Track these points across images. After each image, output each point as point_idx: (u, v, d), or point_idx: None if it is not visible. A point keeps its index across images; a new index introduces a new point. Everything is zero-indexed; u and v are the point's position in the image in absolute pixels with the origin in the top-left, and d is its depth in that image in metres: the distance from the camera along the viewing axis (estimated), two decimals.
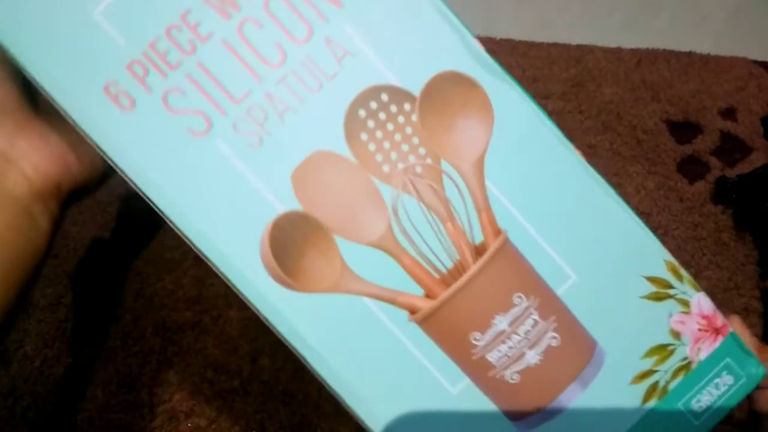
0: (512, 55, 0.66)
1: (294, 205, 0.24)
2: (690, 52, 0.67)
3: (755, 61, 0.67)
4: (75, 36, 0.23)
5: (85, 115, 0.23)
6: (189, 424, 0.46)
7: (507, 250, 0.25)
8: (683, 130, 0.63)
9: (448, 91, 0.24)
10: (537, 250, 0.25)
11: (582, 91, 0.64)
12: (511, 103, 0.25)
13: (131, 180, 0.24)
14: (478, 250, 0.25)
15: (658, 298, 0.26)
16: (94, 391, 0.46)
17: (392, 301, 0.25)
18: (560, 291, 0.25)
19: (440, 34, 0.24)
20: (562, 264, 0.25)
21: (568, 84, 0.64)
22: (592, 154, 0.60)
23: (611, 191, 0.26)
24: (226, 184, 0.24)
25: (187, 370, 0.47)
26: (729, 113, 0.64)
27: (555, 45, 0.67)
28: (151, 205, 0.24)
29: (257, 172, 0.24)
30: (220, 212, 0.24)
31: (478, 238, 0.25)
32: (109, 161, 0.24)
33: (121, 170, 0.24)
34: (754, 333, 0.28)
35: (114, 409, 0.46)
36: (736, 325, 0.27)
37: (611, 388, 0.26)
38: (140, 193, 0.24)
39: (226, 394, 0.47)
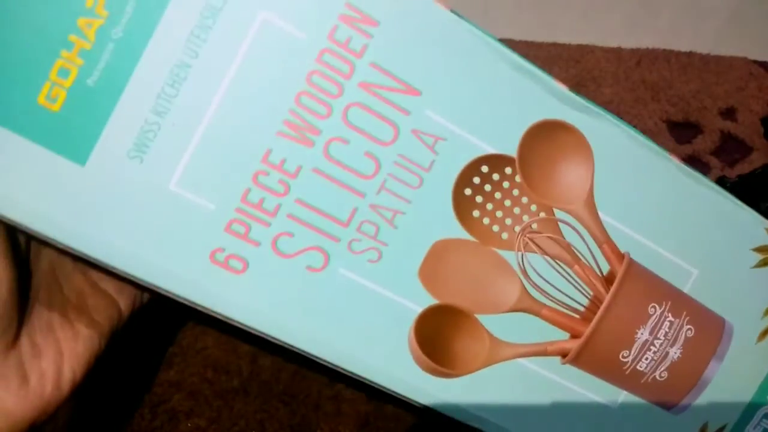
0: None
1: (429, 301, 0.24)
2: (690, 52, 0.67)
3: (755, 61, 0.67)
4: (161, 216, 0.22)
5: (199, 291, 0.22)
6: (189, 424, 0.46)
7: (633, 270, 0.26)
8: (683, 130, 0.63)
9: (543, 141, 0.24)
10: (658, 258, 0.26)
11: (582, 91, 0.64)
12: (603, 132, 0.25)
13: (270, 336, 0.23)
14: (608, 279, 0.26)
15: (766, 263, 0.28)
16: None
17: (543, 353, 0.25)
18: (687, 288, 0.27)
19: (521, 89, 0.24)
20: (682, 263, 0.27)
21: (568, 84, 0.64)
22: None
23: (703, 179, 0.27)
24: (359, 306, 0.24)
25: (187, 370, 0.47)
26: (729, 113, 0.64)
27: (555, 45, 0.67)
28: (298, 350, 0.23)
29: (385, 284, 0.24)
30: (362, 333, 0.24)
31: (605, 268, 0.26)
32: (238, 324, 0.23)
33: (255, 329, 0.23)
34: None
35: (114, 409, 0.46)
36: None
37: (742, 352, 0.28)
38: (283, 344, 0.24)
39: (226, 394, 0.47)
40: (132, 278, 0.23)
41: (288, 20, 0.21)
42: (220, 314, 0.23)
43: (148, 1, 0.20)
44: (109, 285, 0.27)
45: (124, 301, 0.28)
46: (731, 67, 0.67)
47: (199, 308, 0.23)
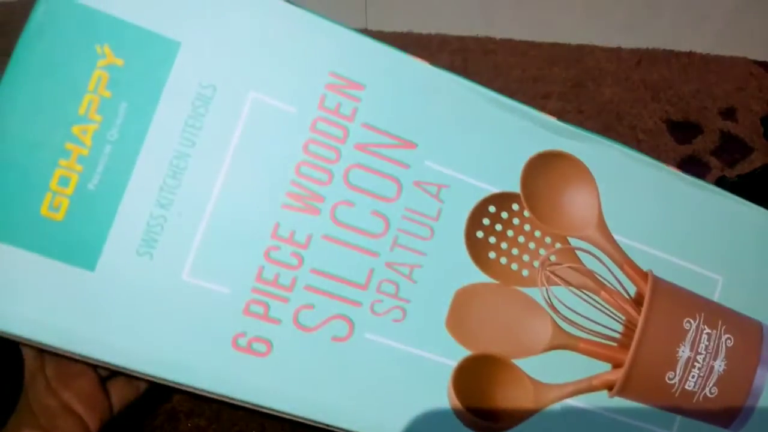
0: (512, 55, 0.66)
1: (462, 353, 0.23)
2: (690, 52, 0.67)
3: (755, 61, 0.67)
4: (177, 309, 0.21)
5: (225, 382, 0.22)
6: (189, 424, 0.46)
7: (660, 287, 0.25)
8: (683, 130, 0.63)
9: (544, 173, 0.24)
10: (680, 271, 0.26)
11: (582, 91, 0.64)
12: (599, 155, 0.25)
13: (298, 417, 0.23)
14: (637, 300, 0.25)
15: None
16: None
17: (589, 389, 0.25)
18: (716, 296, 0.27)
19: (511, 126, 0.24)
20: (705, 272, 0.26)
21: (568, 84, 0.64)
22: None
23: (706, 184, 0.27)
24: (390, 370, 0.23)
25: None
26: (729, 113, 0.64)
27: (555, 45, 0.67)
28: (336, 429, 0.23)
29: (414, 342, 0.23)
30: (398, 397, 0.23)
31: (632, 289, 0.25)
32: (269, 410, 0.22)
33: (289, 413, 0.22)
34: None
35: None
36: None
37: None
38: (320, 425, 0.23)
39: None
40: (151, 379, 0.22)
41: (277, 97, 0.21)
42: (249, 403, 0.23)
43: (139, 100, 0.20)
44: (79, 406, 0.28)
45: (94, 421, 0.28)
46: (731, 67, 0.67)
47: (224, 399, 0.22)
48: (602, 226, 0.25)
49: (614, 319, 0.25)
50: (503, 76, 0.65)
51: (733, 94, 0.65)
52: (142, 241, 0.21)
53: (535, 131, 0.24)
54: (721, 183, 0.59)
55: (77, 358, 0.22)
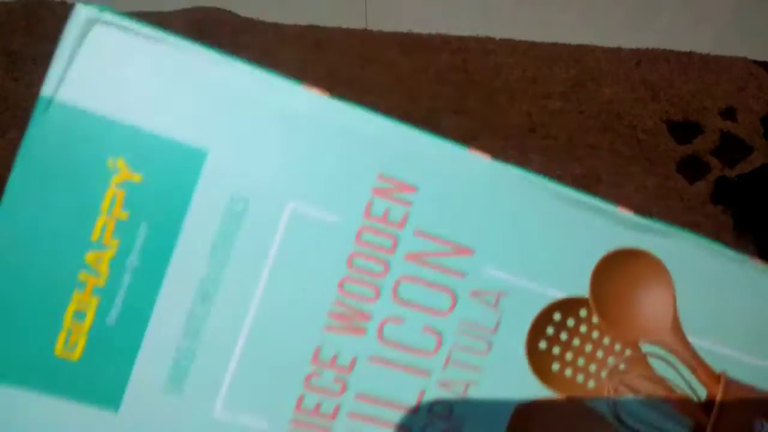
0: (512, 55, 0.66)
1: None
2: (690, 52, 0.67)
3: (755, 61, 0.67)
4: None
5: None
6: None
7: (732, 390, 0.24)
8: (683, 130, 0.63)
9: (616, 274, 0.22)
10: (755, 370, 0.24)
11: (582, 91, 0.64)
12: (677, 251, 0.23)
13: None
14: (707, 403, 0.24)
15: None
16: None
17: None
18: None
19: (581, 224, 0.21)
20: None
21: (568, 84, 0.64)
22: (592, 154, 0.60)
23: None
24: None
25: None
26: (729, 113, 0.64)
27: (555, 45, 0.67)
28: None
29: None
30: None
31: (702, 393, 0.24)
32: None
33: None
34: None
35: None
36: None
37: None
38: None
39: None
40: None
41: (318, 206, 0.19)
42: None
43: (161, 220, 0.18)
44: None
45: None
46: (731, 67, 0.67)
47: None
48: (677, 328, 0.23)
49: (682, 425, 0.24)
50: (503, 76, 0.65)
51: (733, 94, 0.65)
52: (169, 378, 0.19)
53: (607, 228, 0.22)
54: (721, 183, 0.59)
55: None
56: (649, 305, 0.23)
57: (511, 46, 0.67)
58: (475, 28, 0.66)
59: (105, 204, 0.18)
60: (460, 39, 0.66)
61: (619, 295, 0.22)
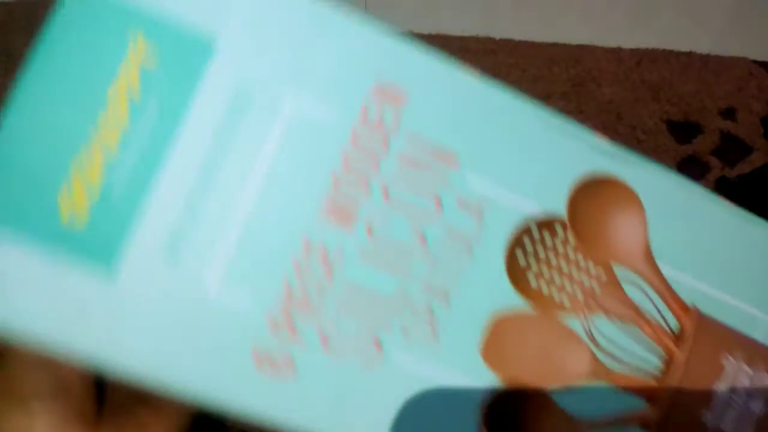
0: (512, 55, 0.66)
1: (494, 382, 0.23)
2: (690, 52, 0.67)
3: (755, 61, 0.67)
4: (199, 323, 0.20)
5: (245, 398, 0.21)
6: None
7: (703, 324, 0.25)
8: (683, 130, 0.63)
9: (593, 199, 0.24)
10: (726, 307, 0.25)
11: (582, 91, 0.64)
12: (651, 183, 0.24)
13: None
14: (678, 336, 0.25)
15: None
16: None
17: (624, 425, 0.24)
18: (758, 335, 0.26)
19: (562, 146, 0.23)
20: (752, 310, 0.26)
21: (568, 84, 0.64)
22: None
23: (758, 220, 0.26)
24: (421, 396, 0.23)
25: None
26: (729, 113, 0.64)
27: (555, 45, 0.67)
28: None
29: (445, 366, 0.22)
30: (425, 423, 0.22)
31: (673, 323, 0.25)
32: None
33: None
34: None
35: None
36: None
37: None
38: None
39: None
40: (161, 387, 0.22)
41: (318, 99, 0.21)
42: (271, 425, 0.22)
43: (170, 100, 0.20)
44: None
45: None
46: (731, 67, 0.67)
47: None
48: (648, 256, 0.24)
49: (654, 354, 0.25)
50: (503, 76, 0.65)
51: (733, 94, 0.65)
52: (167, 247, 0.20)
53: (585, 155, 0.24)
54: (721, 183, 0.59)
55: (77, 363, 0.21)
56: (622, 230, 0.24)
57: (511, 46, 0.67)
58: (475, 28, 0.66)
59: (121, 73, 0.19)
60: (460, 39, 0.66)
61: (594, 217, 0.24)
